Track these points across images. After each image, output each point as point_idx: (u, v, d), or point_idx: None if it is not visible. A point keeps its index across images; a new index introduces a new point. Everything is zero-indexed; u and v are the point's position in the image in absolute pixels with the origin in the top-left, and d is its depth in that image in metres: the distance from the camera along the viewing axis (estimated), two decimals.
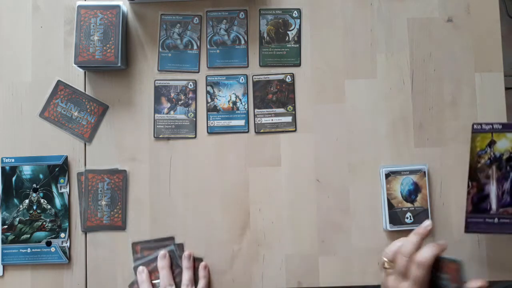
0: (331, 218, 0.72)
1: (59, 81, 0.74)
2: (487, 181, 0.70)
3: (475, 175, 0.70)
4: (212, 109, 0.74)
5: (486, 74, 0.74)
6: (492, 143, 0.68)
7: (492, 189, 0.71)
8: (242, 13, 0.75)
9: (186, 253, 0.71)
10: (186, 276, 0.70)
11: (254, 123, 0.74)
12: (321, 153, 0.73)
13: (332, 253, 0.72)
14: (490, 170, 0.69)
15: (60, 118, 0.74)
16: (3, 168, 0.72)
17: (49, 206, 0.72)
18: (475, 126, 0.68)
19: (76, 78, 0.74)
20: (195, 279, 0.70)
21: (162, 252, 0.70)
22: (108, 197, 0.72)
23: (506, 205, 0.70)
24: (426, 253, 0.60)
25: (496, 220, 0.70)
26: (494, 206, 0.70)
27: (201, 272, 0.70)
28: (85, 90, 0.74)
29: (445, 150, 0.73)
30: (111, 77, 0.74)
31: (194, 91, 0.74)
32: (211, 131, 0.74)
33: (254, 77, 0.74)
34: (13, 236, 0.71)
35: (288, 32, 0.75)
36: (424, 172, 0.71)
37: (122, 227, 0.72)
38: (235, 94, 0.74)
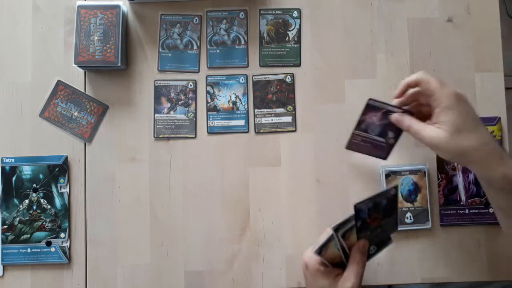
0: (331, 218, 0.72)
1: (59, 81, 0.74)
2: (454, 172, 0.72)
3: (442, 167, 0.72)
4: (212, 109, 0.74)
5: (486, 74, 0.74)
6: None
7: (459, 180, 0.72)
8: (242, 13, 0.75)
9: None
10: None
11: (254, 123, 0.74)
12: (321, 153, 0.73)
13: None
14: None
15: (60, 118, 0.74)
16: (3, 168, 0.72)
17: (49, 206, 0.72)
18: None
19: (76, 78, 0.74)
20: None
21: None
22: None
23: (474, 195, 0.71)
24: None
25: (467, 211, 0.71)
26: (463, 197, 0.72)
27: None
28: (85, 90, 0.74)
29: None
30: (111, 77, 0.74)
31: (194, 91, 0.74)
32: (211, 131, 0.74)
33: (254, 77, 0.74)
34: (13, 236, 0.71)
35: (288, 32, 0.75)
36: (424, 172, 0.71)
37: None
38: (235, 94, 0.74)
